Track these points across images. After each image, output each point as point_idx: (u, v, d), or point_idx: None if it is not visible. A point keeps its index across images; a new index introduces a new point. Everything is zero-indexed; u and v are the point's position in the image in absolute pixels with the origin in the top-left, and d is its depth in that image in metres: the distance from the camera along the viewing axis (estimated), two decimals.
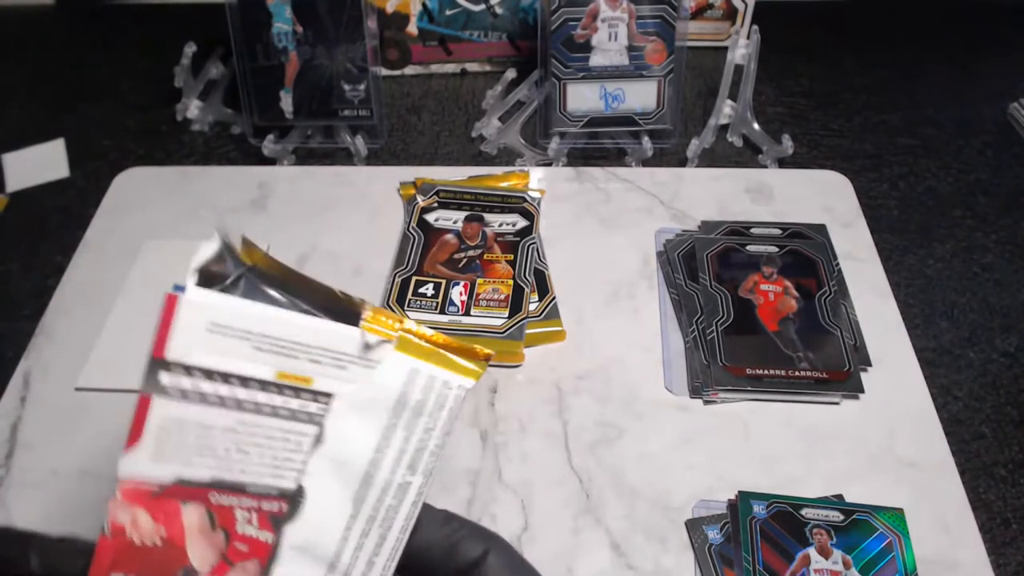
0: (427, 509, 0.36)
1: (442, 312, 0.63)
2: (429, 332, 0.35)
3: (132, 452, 0.32)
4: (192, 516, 0.32)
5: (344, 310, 0.35)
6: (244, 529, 0.33)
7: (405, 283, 0.65)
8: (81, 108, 0.88)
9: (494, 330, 0.62)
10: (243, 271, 0.36)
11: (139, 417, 0.32)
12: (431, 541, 0.35)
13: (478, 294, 0.64)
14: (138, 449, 0.32)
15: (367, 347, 0.34)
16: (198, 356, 0.32)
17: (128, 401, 0.30)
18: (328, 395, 0.34)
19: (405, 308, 0.63)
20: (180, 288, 0.32)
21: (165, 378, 0.32)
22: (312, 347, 0.33)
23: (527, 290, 0.64)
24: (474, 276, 0.65)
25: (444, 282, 0.65)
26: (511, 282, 0.65)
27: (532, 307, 0.64)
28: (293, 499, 0.33)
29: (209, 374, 0.32)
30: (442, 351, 0.35)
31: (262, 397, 0.33)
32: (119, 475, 0.31)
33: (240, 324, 0.32)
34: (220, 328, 0.32)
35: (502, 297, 0.64)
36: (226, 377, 0.32)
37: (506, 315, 0.62)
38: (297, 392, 0.33)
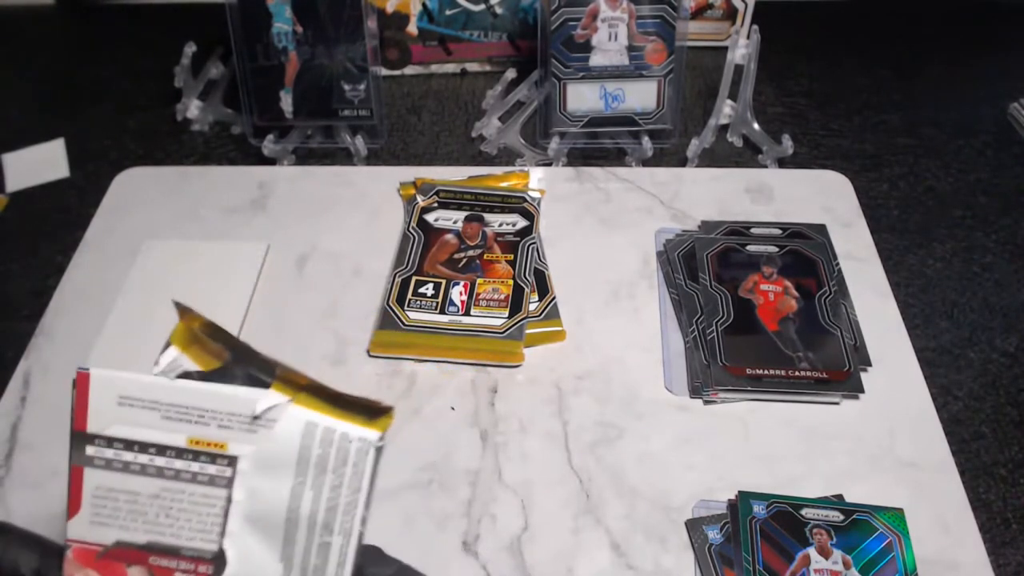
0: (380, 557, 0.36)
1: (442, 312, 0.63)
2: (330, 387, 0.36)
3: (75, 519, 0.35)
4: None
5: (262, 367, 0.36)
6: None
7: (405, 283, 0.65)
8: (81, 108, 0.88)
9: (494, 330, 0.62)
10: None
11: (75, 487, 0.35)
12: None
13: (478, 294, 0.64)
14: (79, 516, 0.35)
15: (267, 407, 0.35)
16: (115, 428, 0.34)
17: None
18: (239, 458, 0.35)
19: (405, 308, 0.63)
20: (86, 368, 0.34)
21: (90, 450, 0.35)
22: (220, 413, 0.35)
23: (527, 290, 0.64)
24: (474, 276, 0.65)
25: (444, 282, 0.65)
26: (511, 282, 0.65)
27: (532, 307, 0.64)
28: (218, 560, 0.35)
29: (128, 444, 0.35)
30: (340, 404, 0.36)
31: (179, 464, 0.35)
32: (67, 537, 0.34)
33: (147, 395, 0.35)
34: (129, 400, 0.34)
35: (502, 297, 0.64)
36: (143, 447, 0.35)
37: (506, 315, 0.62)
38: (213, 458, 0.35)
